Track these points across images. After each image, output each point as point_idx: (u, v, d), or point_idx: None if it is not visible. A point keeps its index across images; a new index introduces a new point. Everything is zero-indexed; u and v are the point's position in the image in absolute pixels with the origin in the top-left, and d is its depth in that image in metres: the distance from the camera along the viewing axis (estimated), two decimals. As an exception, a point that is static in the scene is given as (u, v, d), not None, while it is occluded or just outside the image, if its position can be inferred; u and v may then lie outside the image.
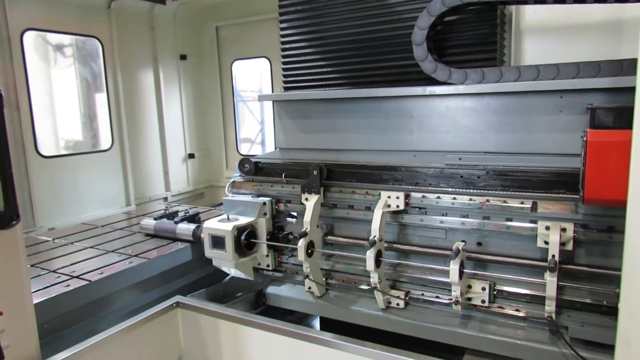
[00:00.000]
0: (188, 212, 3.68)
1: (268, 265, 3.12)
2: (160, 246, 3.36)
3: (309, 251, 2.79)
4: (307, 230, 2.77)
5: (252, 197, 3.11)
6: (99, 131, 6.06)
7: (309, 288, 2.95)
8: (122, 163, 6.06)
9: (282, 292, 3.07)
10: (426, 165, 2.64)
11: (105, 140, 6.05)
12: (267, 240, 3.01)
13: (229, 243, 2.87)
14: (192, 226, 3.40)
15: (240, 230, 2.92)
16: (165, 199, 6.73)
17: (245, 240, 2.93)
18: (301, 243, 2.74)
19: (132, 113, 6.33)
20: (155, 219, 3.61)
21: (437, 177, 2.60)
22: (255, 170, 3.14)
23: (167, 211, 3.78)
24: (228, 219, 3.02)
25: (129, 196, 6.11)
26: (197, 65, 7.42)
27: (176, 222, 3.48)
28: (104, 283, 2.79)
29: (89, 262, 3.05)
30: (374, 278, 2.60)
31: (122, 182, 6.06)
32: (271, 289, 3.14)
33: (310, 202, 2.84)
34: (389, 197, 2.66)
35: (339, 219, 2.97)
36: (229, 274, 3.19)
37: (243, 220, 2.98)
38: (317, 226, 2.87)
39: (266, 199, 3.04)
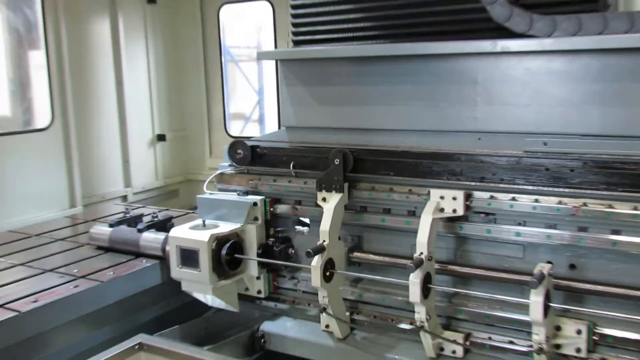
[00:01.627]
0: (156, 217, 3.68)
1: (259, 292, 3.19)
2: (117, 264, 3.38)
3: (327, 273, 2.81)
4: (325, 243, 2.78)
5: (239, 195, 3.17)
6: (33, 103, 6.12)
7: (327, 326, 2.98)
8: (66, 147, 6.09)
9: (287, 332, 3.12)
10: (496, 152, 2.63)
11: (42, 116, 6.12)
12: (258, 255, 3.06)
13: (205, 259, 2.92)
14: (162, 236, 3.42)
15: (220, 241, 2.97)
16: (125, 197, 6.85)
17: (227, 256, 2.99)
18: (316, 262, 2.76)
19: (79, 78, 6.37)
20: (111, 225, 3.62)
21: (512, 170, 2.59)
22: (252, 157, 3.18)
23: (128, 215, 3.78)
24: (204, 225, 3.08)
25: (73, 194, 6.19)
26: (171, 12, 7.45)
27: (140, 230, 3.49)
28: (38, 315, 2.81)
29: (18, 285, 3.07)
30: (420, 313, 2.60)
31: (64, 173, 6.12)
32: (271, 327, 3.18)
33: (330, 203, 2.87)
34: (442, 197, 2.67)
35: (369, 229, 3.01)
36: (213, 306, 3.23)
37: (225, 227, 3.04)
38: (339, 238, 2.90)
39: (257, 198, 3.11)
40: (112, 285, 3.15)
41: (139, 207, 4.65)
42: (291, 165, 3.09)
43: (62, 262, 3.46)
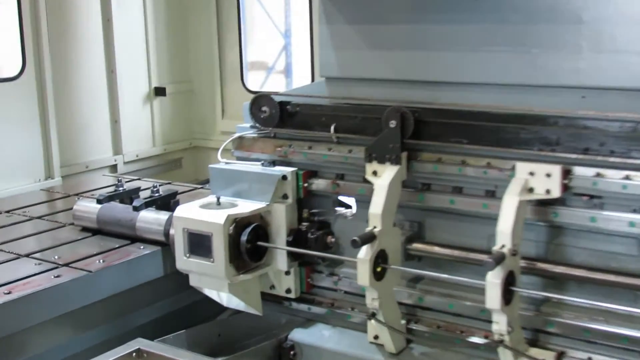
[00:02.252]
0: (157, 191, 3.68)
1: (288, 291, 3.24)
2: (108, 250, 3.39)
3: (378, 269, 2.80)
4: (376, 230, 2.78)
5: (264, 165, 3.19)
6: (-2, 46, 6.17)
7: (376, 337, 2.98)
8: (40, 103, 6.09)
9: (324, 343, 3.15)
10: (605, 115, 2.57)
11: (9, 62, 6.11)
12: (288, 243, 3.08)
13: (220, 246, 2.94)
14: (165, 216, 3.41)
15: (239, 224, 2.98)
16: (114, 168, 6.90)
17: (248, 244, 2.99)
18: (364, 254, 2.76)
19: (57, 14, 6.36)
20: (99, 201, 3.64)
21: (627, 140, 2.53)
22: (281, 117, 3.19)
23: (121, 188, 3.79)
24: (218, 203, 3.11)
25: (50, 162, 6.22)
26: None
27: (136, 208, 3.49)
28: (11, 311, 2.83)
29: (-16, 273, 3.12)
30: (500, 324, 2.57)
31: (38, 136, 6.14)
32: (303, 336, 3.21)
33: (383, 178, 2.86)
34: (531, 173, 2.64)
35: (434, 213, 3.00)
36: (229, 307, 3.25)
37: (245, 206, 3.06)
38: (394, 224, 2.90)
39: (287, 170, 3.13)
40: (102, 277, 3.15)
41: (134, 180, 4.66)
42: (332, 128, 3.07)
43: (39, 245, 3.48)
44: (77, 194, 4.46)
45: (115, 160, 6.91)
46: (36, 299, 2.91)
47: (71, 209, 3.82)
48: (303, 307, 3.28)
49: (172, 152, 7.56)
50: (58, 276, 3.07)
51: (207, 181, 5.53)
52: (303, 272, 3.23)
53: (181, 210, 3.09)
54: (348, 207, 3.22)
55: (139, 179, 4.80)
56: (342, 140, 3.07)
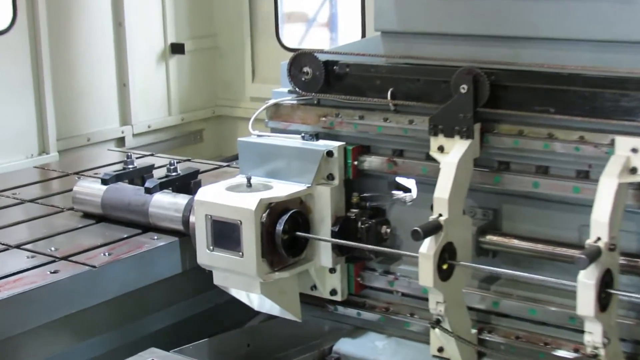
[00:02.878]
0: (174, 170, 3.73)
1: (334, 293, 3.26)
2: (115, 241, 3.44)
3: (445, 267, 2.81)
4: (442, 219, 2.78)
5: (304, 139, 3.22)
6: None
7: (440, 350, 2.97)
8: (33, 62, 6.16)
9: (377, 355, 3.16)
10: None
11: (-2, 13, 6.19)
12: (334, 234, 3.11)
13: (251, 237, 2.98)
14: (184, 200, 3.46)
15: (275, 210, 3.03)
16: (121, 141, 7.03)
17: (285, 234, 3.04)
18: (428, 248, 2.77)
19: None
20: (104, 181, 3.68)
21: None
22: (327, 80, 3.20)
23: (130, 166, 3.84)
24: (249, 185, 3.15)
25: (45, 134, 6.31)
26: None
27: (149, 191, 3.55)
28: (0, 312, 2.88)
29: (-33, 267, 3.17)
30: (594, 334, 2.55)
31: (31, 102, 6.22)
32: (352, 347, 3.23)
33: (451, 155, 2.87)
34: (634, 150, 2.62)
35: (513, 198, 3.01)
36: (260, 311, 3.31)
37: (281, 189, 3.09)
38: (464, 212, 2.92)
39: (333, 145, 3.15)
40: (108, 273, 3.20)
41: (146, 155, 4.74)
42: (389, 93, 3.08)
43: (32, 235, 3.53)
44: (77, 173, 4.53)
45: (122, 132, 7.01)
46: (29, 299, 2.95)
47: (70, 190, 3.86)
48: (351, 312, 3.31)
49: (192, 122, 7.63)
50: (55, 272, 3.11)
51: (234, 158, 5.57)
52: (351, 269, 3.25)
53: (204, 193, 3.12)
54: (407, 190, 3.24)
55: (151, 155, 4.87)
56: (401, 108, 3.07)
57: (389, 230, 3.21)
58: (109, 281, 3.20)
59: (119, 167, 3.94)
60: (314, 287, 3.29)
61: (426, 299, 2.89)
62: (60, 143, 6.46)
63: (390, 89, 3.08)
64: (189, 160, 4.73)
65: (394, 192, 3.25)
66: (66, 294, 3.07)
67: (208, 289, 3.29)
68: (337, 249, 3.16)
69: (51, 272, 3.10)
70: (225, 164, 4.74)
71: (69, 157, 6.21)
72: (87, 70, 6.73)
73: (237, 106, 7.56)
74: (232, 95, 7.69)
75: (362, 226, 3.15)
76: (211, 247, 3.10)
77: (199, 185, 3.67)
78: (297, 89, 3.30)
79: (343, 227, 3.15)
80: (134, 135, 7.08)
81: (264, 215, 2.99)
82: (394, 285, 3.24)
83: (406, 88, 3.06)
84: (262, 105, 3.42)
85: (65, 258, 3.25)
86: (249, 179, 3.16)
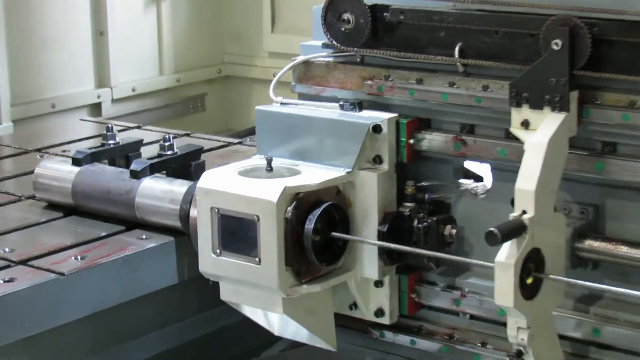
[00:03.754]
0: (170, 147, 3.75)
1: (380, 312, 3.29)
2: (91, 240, 3.48)
3: (529, 280, 2.80)
4: (527, 217, 2.78)
5: (343, 108, 3.25)
6: None
7: None
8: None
9: None
10: None
11: None
12: (381, 236, 3.14)
13: (271, 237, 3.01)
14: (182, 187, 3.48)
15: (303, 202, 3.05)
16: (96, 108, 7.10)
17: (317, 235, 3.06)
18: (506, 256, 2.76)
19: None
20: (75, 161, 3.72)
21: None
22: (374, 30, 3.21)
23: (110, 142, 3.87)
24: (269, 168, 3.19)
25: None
26: None
27: (136, 174, 3.57)
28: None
29: None
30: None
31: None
32: None
33: (540, 133, 2.87)
34: None
35: (621, 191, 3.01)
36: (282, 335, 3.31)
37: (312, 174, 3.12)
38: (555, 209, 2.91)
39: (382, 117, 3.17)
40: (81, 283, 3.21)
41: (131, 128, 4.77)
42: (457, 49, 3.09)
43: None
44: (39, 150, 4.56)
45: (99, 97, 7.09)
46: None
47: (30, 173, 3.89)
48: (403, 339, 3.33)
49: (191, 84, 7.71)
50: (10, 280, 3.12)
51: (248, 132, 5.58)
52: (404, 283, 3.28)
53: (209, 179, 3.14)
54: (479, 178, 3.27)
55: (138, 127, 4.90)
56: (473, 70, 3.08)
57: (454, 231, 3.21)
58: (82, 294, 3.20)
59: (95, 142, 3.98)
60: (354, 305, 3.30)
61: (503, 324, 2.89)
62: (16, 110, 6.51)
63: (459, 44, 3.08)
64: (187, 134, 4.75)
65: (461, 180, 3.27)
66: (25, 310, 3.07)
67: (212, 305, 3.34)
68: (386, 256, 3.16)
69: (5, 281, 3.10)
70: (235, 140, 4.75)
71: (27, 128, 6.29)
72: (53, 13, 6.79)
73: (251, 64, 7.63)
74: (244, 49, 7.75)
75: (420, 225, 3.16)
76: (218, 251, 3.11)
77: (202, 168, 3.69)
78: (334, 43, 3.30)
79: (394, 226, 3.16)
80: (114, 100, 7.14)
81: (289, 209, 3.00)
82: (460, 305, 3.24)
83: (480, 43, 3.06)
84: (286, 63, 3.43)
85: (23, 262, 3.25)
86: (269, 161, 3.17)
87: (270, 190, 3.01)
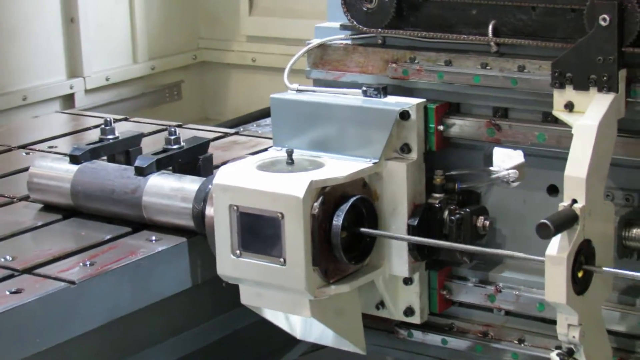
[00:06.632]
0: (177, 140, 3.69)
1: (410, 311, 3.29)
2: (97, 244, 3.42)
3: (579, 274, 2.78)
4: (578, 207, 2.74)
5: (367, 94, 3.22)
6: None
7: None
8: None
9: None
10: None
11: None
12: (411, 230, 3.14)
13: (297, 237, 2.98)
14: (194, 183, 3.45)
15: (330, 197, 3.03)
16: (69, 99, 7.07)
17: (345, 231, 3.04)
18: (558, 249, 2.74)
19: None
20: (73, 159, 3.67)
21: None
22: (398, 10, 3.19)
23: (110, 136, 3.82)
24: (290, 161, 3.17)
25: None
26: None
27: (142, 171, 3.53)
28: None
29: None
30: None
31: None
32: None
33: (590, 115, 2.84)
34: None
35: None
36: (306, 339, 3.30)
37: (336, 167, 3.10)
38: (607, 196, 2.91)
39: (409, 103, 3.15)
40: (93, 292, 3.16)
41: (118, 120, 4.66)
42: (490, 27, 3.05)
43: None
44: (23, 147, 4.52)
45: (71, 87, 7.04)
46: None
47: (18, 172, 3.90)
48: (433, 339, 3.31)
49: (166, 72, 7.69)
50: (18, 291, 3.04)
51: (241, 121, 5.57)
52: (434, 279, 3.24)
53: (227, 175, 3.08)
54: (514, 166, 3.23)
55: (125, 119, 4.89)
56: (508, 49, 3.04)
57: (487, 222, 3.17)
58: (93, 303, 3.16)
59: (79, 137, 4.01)
60: (381, 304, 3.27)
61: (542, 320, 2.95)
62: None
63: (492, 22, 3.03)
64: (179, 125, 4.70)
65: (493, 168, 3.23)
66: (35, 324, 3.01)
67: (227, 308, 3.34)
68: (417, 252, 3.12)
69: (12, 292, 3.03)
70: (232, 130, 4.76)
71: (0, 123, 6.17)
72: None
73: (228, 49, 7.55)
74: (220, 33, 7.71)
75: (452, 217, 3.12)
76: (238, 252, 3.07)
77: (209, 162, 3.68)
78: (354, 23, 3.25)
79: (424, 219, 3.12)
80: (87, 91, 7.09)
81: (316, 204, 2.95)
82: (495, 301, 3.21)
83: (516, 20, 3.02)
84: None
85: (28, 271, 3.19)
86: (290, 153, 3.13)
87: (295, 185, 2.96)
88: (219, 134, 4.57)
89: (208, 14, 7.79)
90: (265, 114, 5.72)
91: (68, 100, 7.00)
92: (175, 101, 7.65)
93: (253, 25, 7.39)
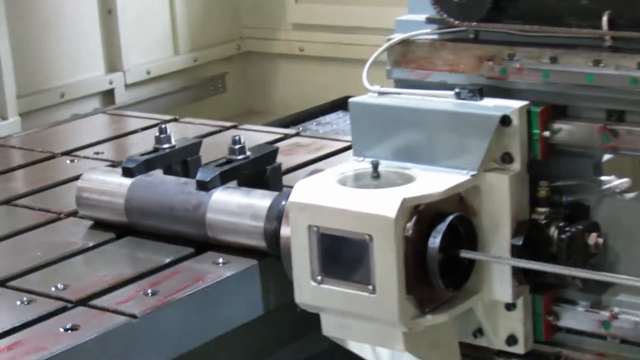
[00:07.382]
0: (242, 149, 3.57)
1: (512, 340, 3.14)
2: (157, 268, 3.33)
3: None
4: None
5: (461, 97, 3.07)
6: None
7: None
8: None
9: None
10: None
11: None
12: (517, 251, 2.98)
13: (389, 260, 2.84)
14: (265, 199, 3.31)
15: (425, 215, 2.89)
16: (109, 95, 7.04)
17: (443, 253, 2.89)
18: None
19: None
20: (127, 171, 3.56)
21: None
22: (495, 2, 3.04)
23: (166, 145, 3.68)
24: (376, 174, 3.03)
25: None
26: None
27: (204, 185, 3.41)
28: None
29: None
30: None
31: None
32: None
33: None
34: None
35: None
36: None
37: (428, 181, 2.96)
38: None
39: (512, 107, 3.00)
40: (157, 326, 3.03)
41: (169, 121, 4.61)
42: (604, 18, 2.83)
43: (16, 262, 3.38)
44: (66, 153, 4.42)
45: (111, 83, 7.02)
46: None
47: (65, 182, 3.80)
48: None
49: (209, 64, 7.67)
50: (74, 328, 2.89)
51: (297, 119, 5.38)
52: (539, 303, 3.06)
53: (304, 191, 2.92)
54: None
55: (175, 120, 4.81)
56: (625, 44, 2.83)
57: (601, 240, 2.96)
58: (157, 338, 3.02)
59: (124, 141, 3.91)
60: (479, 332, 3.11)
61: None
62: (23, 102, 6.37)
63: (607, 12, 2.82)
64: (234, 126, 4.60)
65: (604, 177, 3.03)
66: None
67: (307, 333, 3.25)
68: (521, 274, 2.94)
69: (66, 329, 2.87)
70: (292, 131, 4.66)
71: (36, 122, 6.11)
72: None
73: (273, 38, 7.49)
74: (265, 22, 7.65)
75: (562, 236, 2.91)
76: (319, 278, 2.92)
77: (278, 172, 3.57)
78: (443, 16, 3.07)
79: (530, 238, 2.92)
80: (127, 86, 7.05)
81: (409, 225, 2.77)
82: (610, 328, 3.00)
83: (635, 10, 2.81)
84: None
85: (83, 302, 3.03)
86: (375, 166, 2.96)
87: (384, 204, 2.79)
88: (279, 135, 4.48)
89: (251, 1, 7.79)
90: (324, 110, 5.55)
91: (108, 96, 6.99)
92: (219, 94, 7.64)
93: (300, 12, 7.39)
